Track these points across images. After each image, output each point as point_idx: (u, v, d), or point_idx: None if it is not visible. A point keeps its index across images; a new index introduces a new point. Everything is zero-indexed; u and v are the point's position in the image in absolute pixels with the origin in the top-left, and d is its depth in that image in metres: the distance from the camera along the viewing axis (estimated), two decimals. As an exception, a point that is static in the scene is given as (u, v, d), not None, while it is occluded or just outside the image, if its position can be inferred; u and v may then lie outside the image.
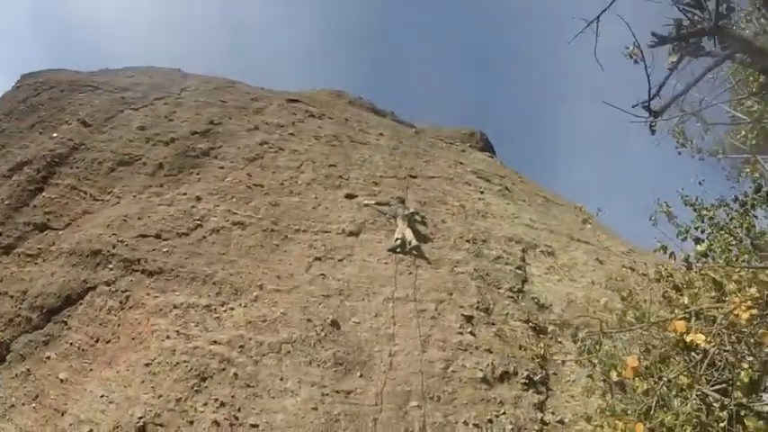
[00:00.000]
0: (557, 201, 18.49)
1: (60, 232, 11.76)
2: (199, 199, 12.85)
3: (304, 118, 18.28)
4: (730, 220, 8.40)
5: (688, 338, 4.96)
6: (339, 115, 19.66)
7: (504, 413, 9.19)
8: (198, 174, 13.87)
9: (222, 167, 14.28)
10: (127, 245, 11.02)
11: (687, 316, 5.53)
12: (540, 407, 9.55)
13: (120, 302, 9.99)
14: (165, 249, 11.13)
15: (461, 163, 18.65)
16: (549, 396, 9.80)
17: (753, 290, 5.41)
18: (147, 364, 8.84)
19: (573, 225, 16.05)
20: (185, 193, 12.95)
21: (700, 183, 9.30)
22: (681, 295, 6.28)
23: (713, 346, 4.98)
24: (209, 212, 12.49)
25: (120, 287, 10.23)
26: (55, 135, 14.22)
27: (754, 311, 4.95)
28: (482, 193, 16.54)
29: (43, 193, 12.64)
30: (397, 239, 12.60)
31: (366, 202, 14.19)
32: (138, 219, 11.81)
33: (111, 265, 10.60)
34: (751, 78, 7.60)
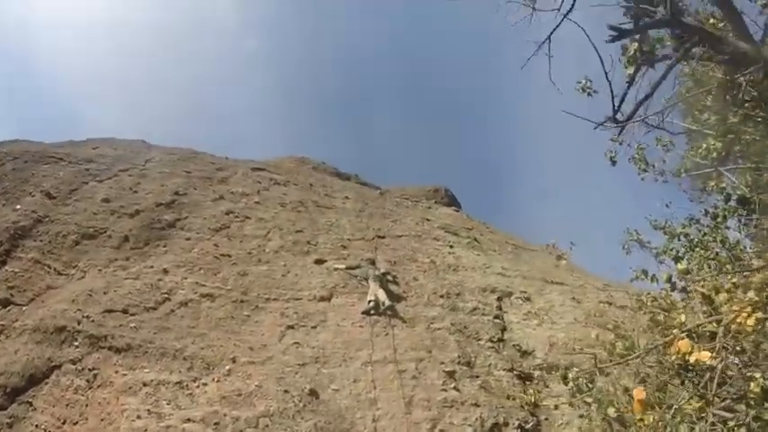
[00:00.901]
0: (526, 246, 18.70)
1: (24, 308, 11.25)
2: (166, 272, 12.53)
3: (269, 186, 18.25)
4: (703, 236, 8.47)
5: (692, 358, 4.77)
6: (304, 181, 19.72)
7: (499, 466, 8.96)
8: (164, 246, 13.58)
9: (189, 239, 14.04)
10: (93, 321, 10.56)
11: (687, 335, 5.35)
12: (536, 454, 9.33)
13: (88, 381, 9.48)
14: (132, 324, 10.71)
15: (428, 219, 18.78)
16: (545, 442, 9.60)
17: (750, 293, 5.28)
18: (117, 447, 8.36)
19: (545, 268, 16.17)
20: (152, 266, 12.63)
21: (667, 205, 9.48)
22: (672, 316, 6.13)
23: (720, 362, 4.80)
24: (176, 285, 12.17)
25: (87, 365, 9.73)
26: (18, 207, 13.84)
27: (759, 315, 4.82)
28: (451, 246, 16.62)
29: (6, 267, 12.13)
30: (369, 301, 12.45)
31: (336, 266, 14.05)
32: (104, 293, 11.39)
33: (76, 343, 10.12)
34: (709, 75, 7.65)
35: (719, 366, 4.77)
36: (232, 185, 17.46)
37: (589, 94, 7.28)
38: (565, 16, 5.64)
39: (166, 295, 11.80)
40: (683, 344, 4.87)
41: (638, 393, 4.93)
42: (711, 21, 7.04)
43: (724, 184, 8.57)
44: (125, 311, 11.04)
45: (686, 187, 10.28)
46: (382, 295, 12.62)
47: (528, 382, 10.95)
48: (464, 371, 10.78)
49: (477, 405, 9.92)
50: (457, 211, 21.76)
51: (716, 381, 4.74)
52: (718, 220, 8.34)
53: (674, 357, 5.05)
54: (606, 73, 5.50)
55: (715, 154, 8.33)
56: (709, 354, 4.70)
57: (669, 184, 9.63)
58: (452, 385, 10.32)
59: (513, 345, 12.06)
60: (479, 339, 11.92)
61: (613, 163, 8.83)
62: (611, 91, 5.49)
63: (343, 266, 14.05)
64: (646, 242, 9.38)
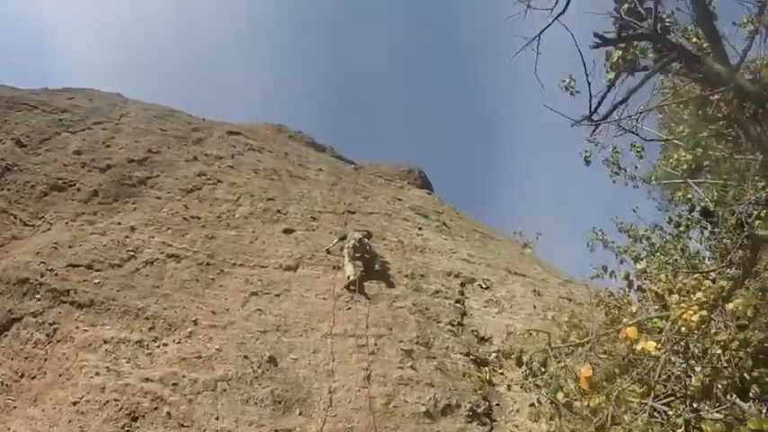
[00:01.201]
0: (494, 236, 18.96)
1: (-13, 257, 11.08)
2: (133, 229, 12.45)
3: (243, 151, 18.15)
4: (665, 242, 8.78)
5: (639, 346, 5.03)
6: (279, 149, 19.64)
7: (448, 446, 9.18)
8: (133, 203, 13.45)
9: (159, 198, 13.93)
10: (56, 274, 10.48)
11: (637, 328, 5.62)
12: (485, 438, 9.59)
13: (48, 335, 9.42)
14: (96, 281, 10.66)
15: (399, 199, 18.90)
16: (494, 427, 9.84)
17: (699, 294, 5.58)
18: (74, 403, 8.34)
19: (510, 259, 16.45)
20: (119, 223, 12.52)
21: (633, 210, 9.77)
22: (627, 307, 6.42)
23: (664, 353, 5.07)
24: (143, 244, 12.11)
25: (48, 319, 9.66)
26: (-13, 154, 13.50)
27: (704, 313, 5.10)
28: (420, 228, 16.78)
29: (-29, 216, 11.90)
30: (348, 277, 12.55)
31: (328, 248, 13.87)
32: (70, 247, 11.28)
33: (38, 296, 10.03)
34: (686, 90, 7.89)
35: (663, 357, 5.03)
36: (207, 147, 17.32)
37: (572, 93, 7.42)
38: (555, 18, 5.77)
39: (132, 253, 11.73)
40: (631, 330, 5.14)
41: (586, 371, 5.16)
42: (695, 40, 7.26)
43: (690, 196, 8.86)
44: (89, 267, 10.95)
45: (656, 195, 10.59)
46: (350, 269, 12.73)
47: (483, 368, 11.22)
48: (422, 351, 10.98)
49: (431, 385, 10.14)
50: (429, 193, 21.93)
51: (659, 369, 5.00)
52: (681, 228, 8.63)
53: (622, 345, 5.29)
54: (587, 75, 5.64)
55: (685, 165, 8.59)
56: (655, 344, 4.96)
57: (639, 189, 9.89)
58: (409, 364, 10.51)
59: (472, 330, 12.31)
60: (439, 322, 12.13)
61: (587, 163, 9.05)
62: (590, 92, 5.64)
63: (336, 239, 13.98)
64: (610, 242, 9.67)
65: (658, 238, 9.18)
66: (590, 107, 5.74)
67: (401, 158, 25.89)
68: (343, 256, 13.18)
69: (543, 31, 6.01)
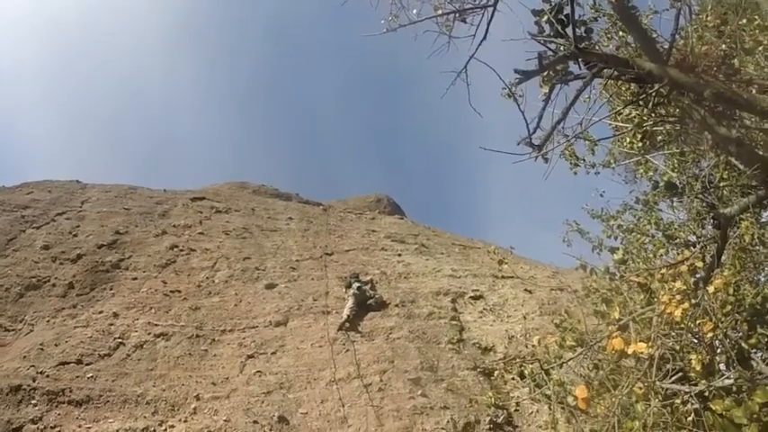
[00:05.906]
0: (473, 245, 19.08)
1: (-26, 371, 10.72)
2: (116, 315, 12.21)
3: (210, 215, 18.06)
4: (638, 220, 8.88)
5: (630, 350, 4.99)
6: (245, 206, 19.59)
7: (478, 463, 9.16)
8: (111, 288, 13.22)
9: (135, 278, 13.72)
10: (48, 376, 10.17)
11: (621, 330, 5.57)
12: (513, 446, 9.59)
13: (52, 440, 9.13)
14: (89, 375, 10.40)
15: (374, 230, 18.98)
16: (519, 432, 9.86)
17: (678, 283, 5.50)
18: (93, 504, 8.12)
19: (494, 264, 16.54)
20: (101, 311, 12.27)
21: (601, 194, 9.85)
22: (611, 309, 6.36)
23: (656, 349, 5.01)
24: (129, 328, 11.88)
25: (49, 423, 9.33)
26: (-45, 262, 13.13)
27: (686, 306, 5.09)
28: (400, 255, 16.86)
29: (-52, 329, 11.53)
30: (343, 316, 12.64)
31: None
32: (56, 345, 10.98)
33: (34, 401, 9.72)
34: (623, 89, 7.96)
35: (657, 354, 5.04)
36: (173, 218, 17.17)
37: (515, 99, 7.43)
38: (473, 54, 5.80)
39: (120, 340, 11.50)
40: (617, 342, 5.09)
41: (581, 391, 5.12)
42: (621, 34, 7.45)
43: (651, 173, 9.01)
44: (80, 362, 10.69)
45: (620, 170, 10.71)
46: (345, 310, 12.75)
47: (493, 377, 11.22)
48: (428, 376, 10.97)
49: (446, 408, 10.12)
50: (401, 218, 22.06)
51: (654, 366, 4.99)
52: (650, 204, 8.76)
53: (612, 353, 5.24)
54: (519, 105, 5.67)
55: (640, 144, 8.73)
56: (645, 345, 4.94)
57: (602, 175, 10.00)
58: (419, 392, 10.48)
59: (473, 343, 12.35)
60: (439, 343, 12.15)
61: (546, 160, 9.14)
62: (525, 118, 5.58)
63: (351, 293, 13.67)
64: (586, 232, 9.73)
65: (631, 216, 9.26)
66: (528, 131, 5.71)
67: (366, 190, 26.06)
68: (347, 299, 13.31)
69: (468, 62, 6.03)
